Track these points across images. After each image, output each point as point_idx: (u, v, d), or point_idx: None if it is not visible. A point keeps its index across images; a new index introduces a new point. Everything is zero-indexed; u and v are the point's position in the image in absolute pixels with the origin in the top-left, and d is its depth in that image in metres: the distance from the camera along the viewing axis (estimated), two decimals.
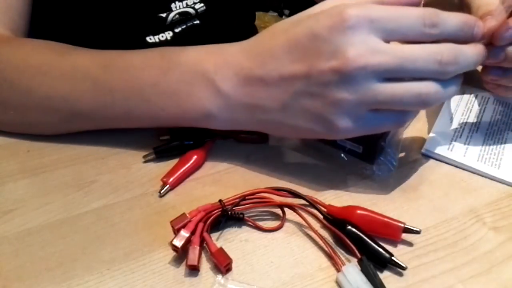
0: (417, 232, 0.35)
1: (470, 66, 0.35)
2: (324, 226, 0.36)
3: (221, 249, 0.34)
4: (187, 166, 0.40)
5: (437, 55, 0.33)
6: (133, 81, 0.39)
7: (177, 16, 0.55)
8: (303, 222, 0.36)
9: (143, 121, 0.41)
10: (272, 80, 0.35)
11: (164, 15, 0.54)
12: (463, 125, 0.46)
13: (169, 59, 0.39)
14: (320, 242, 0.35)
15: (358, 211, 0.36)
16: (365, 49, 0.33)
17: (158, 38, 0.55)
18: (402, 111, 0.36)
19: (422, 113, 0.48)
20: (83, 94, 0.40)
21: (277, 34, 0.36)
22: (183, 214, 0.35)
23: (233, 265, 0.34)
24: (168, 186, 0.39)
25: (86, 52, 0.42)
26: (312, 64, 0.34)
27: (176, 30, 0.56)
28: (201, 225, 0.35)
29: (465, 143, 0.44)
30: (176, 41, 0.56)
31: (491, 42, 0.37)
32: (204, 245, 0.35)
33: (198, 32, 0.57)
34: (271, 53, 0.36)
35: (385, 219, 0.36)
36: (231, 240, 0.36)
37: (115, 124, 0.42)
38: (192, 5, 0.56)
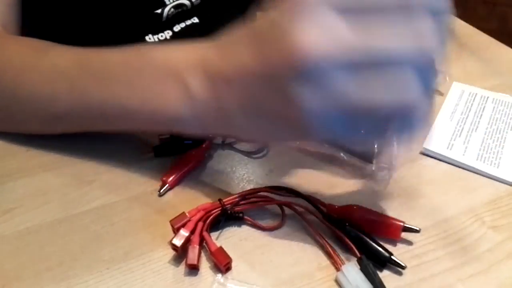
0: (417, 231, 0.35)
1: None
2: (323, 226, 0.36)
3: (220, 248, 0.34)
4: (186, 165, 0.40)
5: (415, 35, 0.26)
6: (108, 83, 0.38)
7: (172, 10, 0.54)
8: (303, 221, 0.36)
9: (121, 125, 0.39)
10: (232, 75, 0.31)
11: (159, 11, 0.54)
12: (463, 124, 0.46)
13: (144, 58, 0.37)
14: (320, 241, 0.35)
15: (358, 211, 0.36)
16: (324, 35, 0.26)
17: (158, 38, 0.55)
18: (382, 120, 0.29)
19: None
20: (60, 96, 0.39)
21: (247, 25, 0.31)
22: (183, 213, 0.35)
23: (233, 264, 0.34)
24: (167, 185, 0.39)
25: (64, 51, 0.41)
26: (267, 56, 0.29)
27: (176, 30, 0.56)
28: (200, 224, 0.35)
29: (464, 142, 0.44)
30: (175, 41, 0.55)
31: None
32: (204, 244, 0.35)
33: (197, 31, 0.57)
34: (233, 44, 0.31)
35: (385, 218, 0.36)
36: (230, 239, 0.36)
37: (96, 128, 0.40)
38: None
